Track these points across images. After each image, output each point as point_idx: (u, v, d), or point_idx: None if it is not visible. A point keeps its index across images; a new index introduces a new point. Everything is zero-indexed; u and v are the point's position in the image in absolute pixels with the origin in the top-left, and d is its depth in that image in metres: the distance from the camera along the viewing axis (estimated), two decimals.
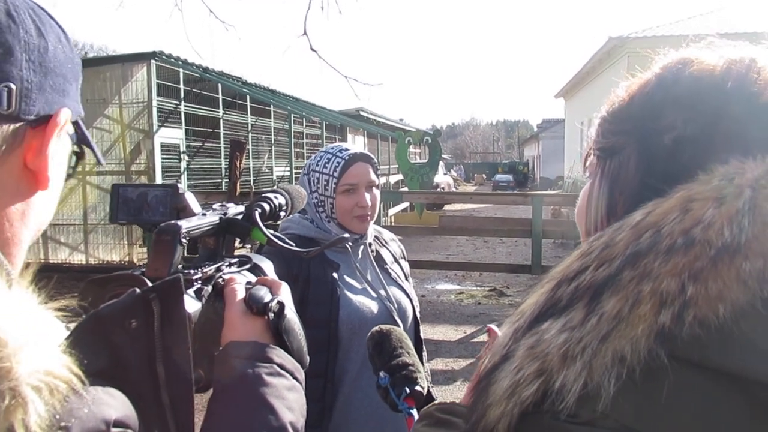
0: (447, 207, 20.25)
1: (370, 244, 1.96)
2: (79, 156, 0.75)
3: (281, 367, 0.78)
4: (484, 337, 6.58)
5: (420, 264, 8.99)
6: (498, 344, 0.66)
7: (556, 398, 0.57)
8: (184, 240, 0.80)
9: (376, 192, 1.92)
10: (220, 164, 12.62)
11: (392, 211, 15.14)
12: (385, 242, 2.06)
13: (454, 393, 5.00)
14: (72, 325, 0.57)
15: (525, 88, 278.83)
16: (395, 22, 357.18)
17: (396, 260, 2.03)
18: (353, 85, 6.71)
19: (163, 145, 10.71)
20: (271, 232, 0.97)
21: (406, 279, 2.03)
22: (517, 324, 0.65)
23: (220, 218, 0.92)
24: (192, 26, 7.11)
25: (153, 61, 10.49)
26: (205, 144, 12.96)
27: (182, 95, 11.40)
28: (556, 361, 0.58)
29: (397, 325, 1.78)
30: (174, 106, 11.25)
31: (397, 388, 1.41)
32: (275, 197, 1.03)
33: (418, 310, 2.06)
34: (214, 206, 0.94)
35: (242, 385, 0.74)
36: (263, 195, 1.04)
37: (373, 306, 1.81)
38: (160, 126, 10.67)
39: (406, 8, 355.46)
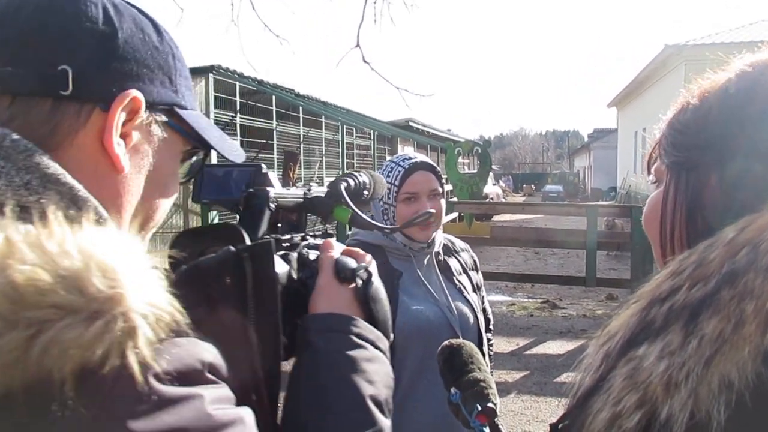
0: (496, 218, 20.06)
1: (438, 254, 1.95)
2: (197, 150, 0.78)
3: (360, 337, 0.77)
4: (537, 350, 6.51)
5: None
6: (587, 368, 0.64)
7: (663, 430, 0.54)
8: (272, 205, 0.82)
9: (441, 201, 1.91)
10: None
11: (442, 221, 15.04)
12: (456, 252, 2.04)
13: (508, 405, 4.96)
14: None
15: (575, 97, 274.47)
16: (444, 33, 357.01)
17: (465, 271, 2.01)
18: (404, 96, 6.75)
19: (219, 157, 10.95)
20: (356, 208, 0.95)
21: (476, 291, 2.00)
22: (608, 347, 0.63)
23: (304, 193, 0.92)
24: (247, 40, 7.29)
25: (211, 75, 10.79)
26: (259, 155, 13.23)
27: (238, 107, 11.68)
28: (659, 390, 0.55)
29: (456, 336, 1.77)
30: (230, 118, 11.55)
31: (469, 404, 1.38)
32: (359, 174, 1.01)
33: (486, 324, 2.02)
34: (297, 184, 0.95)
35: (319, 359, 0.73)
36: (348, 172, 1.02)
37: (431, 315, 1.80)
38: None
39: (455, 18, 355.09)
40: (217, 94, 10.96)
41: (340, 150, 13.05)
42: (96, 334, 0.46)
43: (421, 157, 1.95)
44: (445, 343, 1.63)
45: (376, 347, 0.79)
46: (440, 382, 1.75)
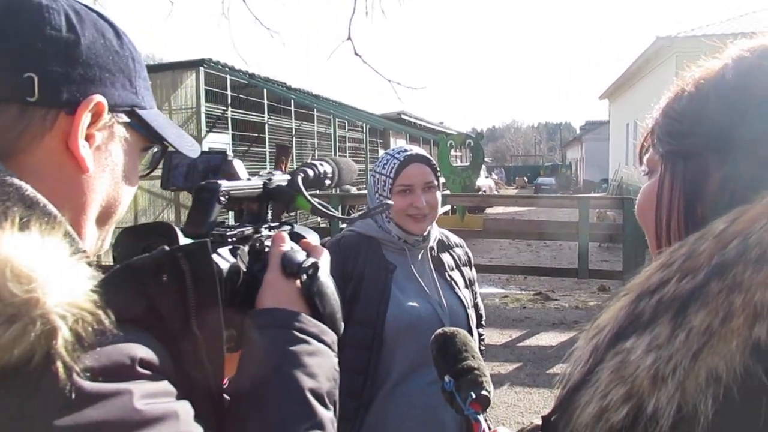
0: (488, 210, 20.09)
1: (432, 248, 1.95)
2: (160, 146, 0.80)
3: (302, 331, 0.78)
4: (530, 341, 6.54)
5: None
6: (576, 362, 0.64)
7: (649, 423, 0.54)
8: (222, 198, 0.82)
9: (437, 193, 1.90)
10: (266, 169, 12.75)
11: None
12: (450, 247, 2.04)
13: (501, 397, 4.98)
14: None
15: (567, 89, 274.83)
16: (436, 25, 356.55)
17: (458, 267, 2.00)
18: (396, 88, 6.73)
19: (210, 150, 10.93)
20: (316, 200, 0.95)
21: (468, 286, 2.00)
22: (596, 340, 0.62)
23: (264, 183, 0.92)
24: (238, 34, 7.25)
25: (201, 68, 10.74)
26: (251, 148, 13.18)
27: (229, 101, 11.64)
28: (646, 384, 0.55)
29: None
30: (221, 111, 11.50)
31: (463, 392, 1.38)
32: (320, 164, 1.01)
33: (477, 320, 2.01)
34: (261, 173, 0.95)
35: (259, 354, 0.75)
36: (309, 161, 1.02)
37: (422, 311, 1.80)
38: (208, 131, 10.92)
39: (447, 10, 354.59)
40: (207, 88, 10.91)
41: (333, 143, 13.01)
42: (14, 336, 0.49)
43: (416, 149, 1.94)
44: (439, 331, 1.63)
45: (320, 341, 0.79)
46: (430, 377, 1.74)
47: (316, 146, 16.06)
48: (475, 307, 2.04)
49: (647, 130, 0.76)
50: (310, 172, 0.98)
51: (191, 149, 0.82)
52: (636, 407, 0.55)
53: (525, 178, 56.40)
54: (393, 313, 1.77)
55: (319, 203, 0.96)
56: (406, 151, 1.90)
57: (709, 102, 0.67)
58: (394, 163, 1.87)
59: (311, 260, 0.84)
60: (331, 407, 0.76)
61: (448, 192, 14.92)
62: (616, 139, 28.19)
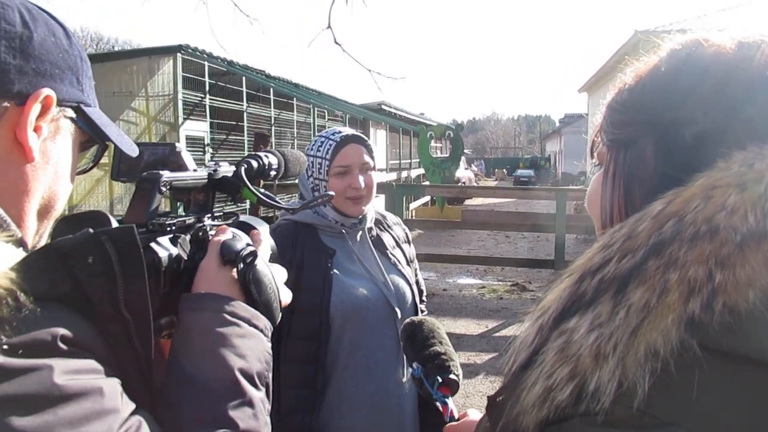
0: (468, 201, 20.20)
1: (371, 229, 1.93)
2: (99, 145, 0.82)
3: (233, 315, 0.80)
4: (506, 332, 6.59)
5: (442, 258, 9.00)
6: (522, 343, 0.65)
7: (591, 400, 0.55)
8: (163, 189, 0.83)
9: (373, 174, 1.88)
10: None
11: (413, 205, 15.15)
12: (388, 226, 2.01)
13: (477, 386, 5.02)
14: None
15: (547, 82, 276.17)
16: (416, 16, 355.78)
17: (398, 245, 1.99)
18: (376, 78, 6.71)
19: (188, 138, 10.84)
20: (261, 191, 0.97)
21: (409, 264, 1.98)
22: (541, 321, 0.63)
23: (209, 174, 0.93)
24: (217, 20, 7.17)
25: (179, 55, 10.61)
26: (229, 137, 13.08)
27: (207, 88, 11.51)
28: (588, 362, 0.57)
29: (393, 310, 1.79)
30: (199, 99, 11.37)
31: (431, 377, 1.41)
32: (266, 156, 1.03)
33: (419, 295, 2.02)
34: (207, 164, 0.96)
35: (189, 336, 0.77)
36: (253, 153, 1.03)
37: (368, 292, 1.78)
38: (185, 119, 10.80)
39: (427, 1, 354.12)
40: (185, 74, 10.78)
41: (312, 133, 12.95)
42: None
43: (351, 131, 1.91)
44: (407, 320, 1.64)
45: (252, 325, 0.82)
46: (378, 359, 1.79)
47: (295, 135, 15.98)
48: (417, 283, 2.03)
49: (597, 126, 0.80)
50: (254, 164, 0.99)
51: (130, 148, 0.84)
52: (579, 385, 0.57)
53: (504, 170, 56.82)
54: (337, 298, 1.75)
55: (264, 194, 0.98)
56: (341, 132, 1.86)
57: (645, 91, 0.71)
58: (330, 145, 1.82)
59: (250, 249, 0.86)
60: (263, 388, 0.78)
61: (427, 183, 14.98)
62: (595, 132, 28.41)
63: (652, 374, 0.54)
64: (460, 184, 19.39)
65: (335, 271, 1.78)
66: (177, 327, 0.80)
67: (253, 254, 0.85)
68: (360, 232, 1.89)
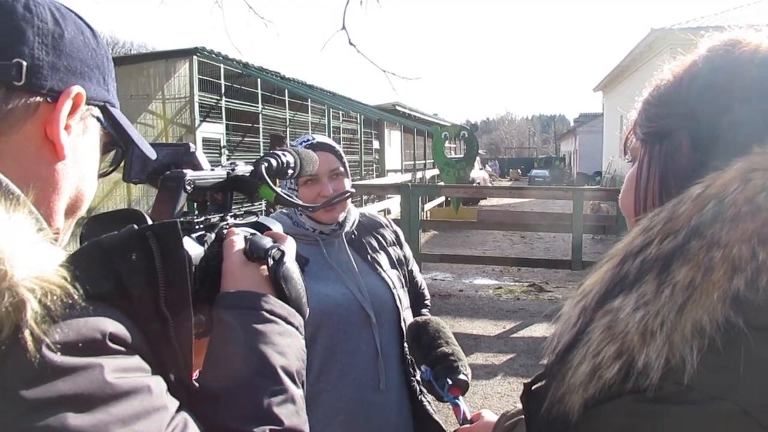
0: (482, 202, 20.13)
1: (353, 233, 1.90)
2: (121, 147, 0.82)
3: (271, 312, 0.80)
4: (524, 333, 6.56)
5: (457, 258, 8.98)
6: (564, 325, 0.66)
7: (640, 377, 0.57)
8: (188, 187, 0.83)
9: (345, 181, 1.85)
10: None
11: (428, 205, 15.13)
12: (374, 228, 1.98)
13: (495, 387, 5.00)
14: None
15: (561, 81, 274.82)
16: (430, 16, 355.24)
17: (384, 247, 1.95)
18: (391, 79, 6.70)
19: (204, 140, 10.89)
20: (279, 189, 0.97)
21: (396, 267, 1.95)
22: (584, 302, 0.65)
23: (228, 173, 0.93)
24: (232, 22, 7.20)
25: (195, 57, 10.66)
26: (245, 138, 13.13)
27: (223, 90, 11.57)
28: (636, 340, 0.58)
29: (367, 316, 1.76)
30: (215, 101, 11.43)
31: (440, 379, 1.42)
32: (283, 154, 1.02)
33: (419, 299, 1.98)
34: (224, 163, 0.96)
35: (230, 333, 0.77)
36: (271, 152, 1.03)
37: (339, 297, 1.76)
38: (201, 121, 10.86)
39: (442, 1, 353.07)
40: (201, 77, 10.84)
41: (327, 134, 12.97)
42: None
43: (319, 137, 1.89)
44: (411, 321, 1.63)
45: (288, 322, 0.82)
46: (353, 364, 1.76)
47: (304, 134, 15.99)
48: (413, 287, 1.99)
49: (631, 122, 0.81)
50: (274, 162, 0.99)
51: (150, 151, 0.84)
52: (627, 363, 0.58)
53: (519, 170, 56.56)
54: (310, 305, 1.74)
55: (284, 192, 0.98)
56: (308, 140, 1.84)
57: (683, 86, 0.74)
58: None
59: (277, 246, 0.86)
60: (300, 387, 0.79)
61: (442, 183, 14.95)
62: (610, 131, 28.23)
63: (699, 351, 0.56)
64: (474, 184, 19.33)
65: (308, 279, 1.76)
66: (214, 324, 0.80)
67: (281, 251, 0.86)
68: (338, 238, 1.87)
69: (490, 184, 25.72)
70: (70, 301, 0.55)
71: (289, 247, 0.90)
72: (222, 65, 11.38)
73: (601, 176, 30.34)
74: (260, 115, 13.13)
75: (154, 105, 10.71)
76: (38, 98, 0.67)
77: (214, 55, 11.18)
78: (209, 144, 11.13)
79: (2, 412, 0.50)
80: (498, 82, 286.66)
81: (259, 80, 12.75)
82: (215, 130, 11.46)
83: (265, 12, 6.98)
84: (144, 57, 12.13)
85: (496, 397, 4.85)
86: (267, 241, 0.87)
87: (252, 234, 0.91)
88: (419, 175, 22.09)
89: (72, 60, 0.71)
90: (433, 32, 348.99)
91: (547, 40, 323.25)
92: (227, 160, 11.54)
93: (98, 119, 0.77)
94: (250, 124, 13.03)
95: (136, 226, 0.67)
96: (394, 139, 21.94)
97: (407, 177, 19.78)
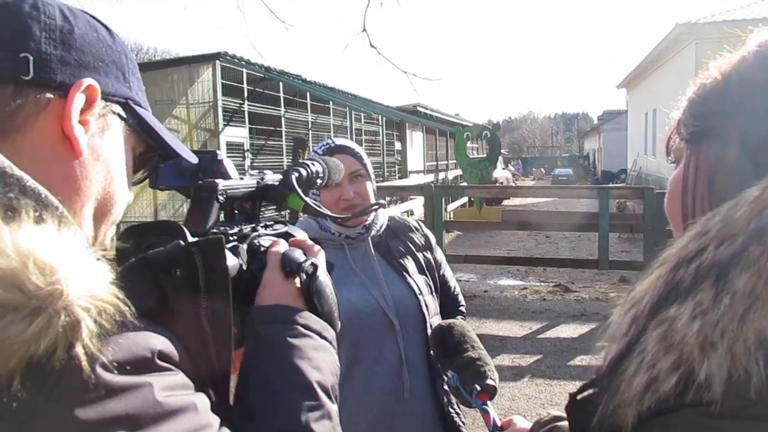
0: (506, 202, 20.00)
1: (380, 237, 1.87)
2: (157, 154, 0.80)
3: (306, 327, 0.80)
4: (550, 333, 6.49)
5: (482, 259, 8.92)
6: (614, 334, 0.64)
7: (700, 390, 0.54)
8: (221, 197, 0.83)
9: (367, 183, 1.81)
10: (283, 161, 12.86)
11: (451, 206, 15.08)
12: (402, 233, 1.93)
13: (522, 389, 4.95)
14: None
15: (584, 79, 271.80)
16: (450, 16, 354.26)
17: (412, 252, 1.91)
18: (412, 80, 6.70)
19: (228, 144, 11.00)
20: (309, 199, 0.97)
21: (425, 272, 1.89)
22: (635, 311, 0.63)
23: (257, 182, 0.93)
24: (253, 27, 7.25)
25: (218, 62, 10.78)
26: (268, 142, 13.22)
27: (245, 94, 11.67)
28: (695, 351, 0.55)
29: (391, 322, 1.71)
30: (238, 105, 11.53)
31: (467, 385, 1.40)
32: (312, 164, 1.02)
33: (453, 305, 1.94)
34: (252, 172, 0.95)
35: (266, 348, 0.77)
36: (300, 161, 1.03)
37: (361, 304, 1.72)
38: (225, 125, 10.97)
39: (461, 1, 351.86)
40: (224, 82, 10.94)
41: (349, 136, 13.00)
42: (39, 329, 0.49)
43: (340, 140, 1.87)
44: (435, 326, 1.60)
45: (323, 337, 0.82)
46: (376, 371, 1.71)
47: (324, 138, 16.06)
48: (446, 292, 1.94)
49: (674, 122, 0.78)
50: (304, 172, 1.00)
51: (189, 155, 0.83)
52: (686, 375, 0.55)
53: (542, 169, 56.09)
54: None
55: (313, 202, 0.98)
56: (327, 144, 1.82)
57: (731, 83, 0.70)
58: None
59: (310, 260, 0.86)
60: (335, 402, 0.78)
61: (465, 184, 14.88)
62: (635, 128, 27.89)
63: (765, 363, 0.53)
64: (497, 184, 19.21)
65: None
66: (247, 339, 0.79)
67: (314, 265, 0.85)
68: (364, 242, 1.83)
69: (513, 184, 25.56)
70: (122, 320, 0.54)
71: (321, 259, 0.90)
72: (244, 69, 11.48)
73: (626, 174, 29.96)
74: (282, 119, 13.21)
75: (179, 110, 10.84)
76: (49, 93, 0.65)
77: (236, 60, 11.28)
78: (233, 148, 11.23)
79: None
80: (520, 81, 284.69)
81: (281, 84, 12.83)
82: (238, 133, 11.56)
83: (286, 16, 7.01)
84: (168, 63, 12.28)
85: (524, 399, 4.80)
86: (299, 254, 0.86)
87: (289, 246, 0.90)
88: (442, 175, 22.05)
89: (83, 54, 0.69)
90: (453, 32, 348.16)
91: (569, 37, 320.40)
92: (251, 163, 11.66)
93: (120, 117, 0.74)
94: (272, 128, 13.11)
95: (182, 242, 0.68)
96: (416, 140, 21.92)
97: (430, 178, 19.75)
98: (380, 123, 16.93)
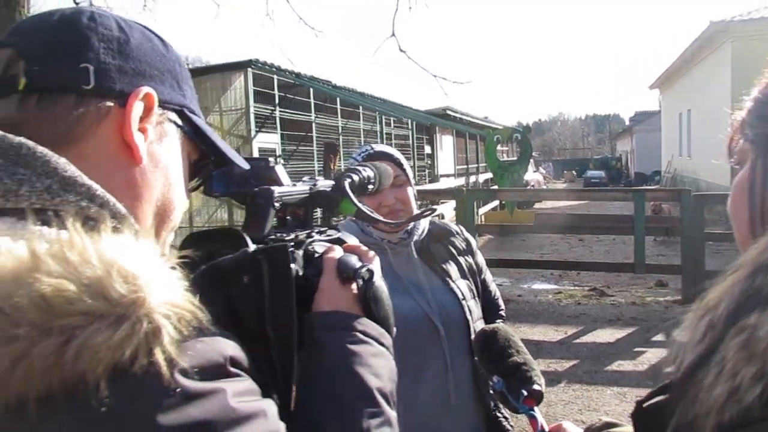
0: (537, 205, 19.81)
1: (422, 242, 1.86)
2: (212, 161, 0.82)
3: (364, 334, 0.80)
4: (586, 338, 6.40)
5: (515, 263, 8.86)
6: (688, 342, 0.62)
7: None
8: (276, 204, 0.84)
9: (408, 189, 1.81)
10: (314, 167, 12.94)
11: (482, 210, 14.99)
12: (444, 237, 1.94)
13: (559, 395, 4.89)
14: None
15: (615, 80, 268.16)
16: (478, 17, 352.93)
17: (454, 256, 1.90)
18: (442, 83, 6.70)
19: (260, 150, 11.13)
20: (363, 205, 0.97)
21: (467, 277, 1.88)
22: (710, 317, 0.60)
23: (310, 188, 0.93)
24: (282, 34, 7.33)
25: (249, 69, 10.91)
26: (299, 147, 13.32)
27: (277, 101, 11.78)
28: None
29: (435, 328, 1.70)
30: (269, 111, 11.65)
31: (514, 390, 1.38)
32: (363, 169, 1.02)
33: (493, 309, 1.92)
34: (304, 178, 0.96)
35: (326, 355, 0.77)
36: (352, 167, 1.03)
37: (406, 309, 1.67)
38: (257, 131, 11.09)
39: (489, 1, 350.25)
40: (256, 88, 11.07)
41: (379, 140, 13.03)
42: (123, 336, 0.50)
43: (379, 146, 1.86)
44: (479, 330, 1.58)
45: (380, 343, 0.82)
46: (421, 379, 1.69)
47: (362, 144, 16.11)
48: (487, 296, 1.92)
49: (737, 123, 0.76)
50: (356, 177, 1.00)
51: (242, 161, 0.84)
52: None
53: (573, 171, 55.38)
54: None
55: (366, 207, 0.99)
56: (366, 150, 1.82)
57: None
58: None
59: (367, 265, 0.86)
60: (394, 409, 0.78)
61: (496, 187, 14.78)
62: (669, 129, 27.40)
63: None
64: (529, 187, 19.05)
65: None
66: (308, 344, 0.79)
67: (371, 271, 0.85)
68: (407, 247, 1.82)
69: (544, 187, 25.31)
70: (199, 326, 0.56)
71: (377, 265, 0.90)
72: (275, 76, 11.59)
73: (659, 176, 29.45)
74: (313, 124, 13.31)
75: (212, 117, 11.00)
76: (109, 102, 0.67)
77: (267, 67, 11.40)
78: (265, 154, 11.33)
79: None
80: (549, 83, 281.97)
81: (311, 89, 12.93)
82: (270, 140, 11.68)
83: (315, 22, 7.06)
84: (201, 71, 12.47)
85: (561, 404, 4.74)
86: (355, 260, 0.86)
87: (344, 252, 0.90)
88: (472, 179, 21.94)
89: (140, 63, 0.71)
90: (480, 34, 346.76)
91: (600, 36, 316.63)
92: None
93: (176, 124, 0.75)
94: (303, 133, 13.21)
95: (249, 250, 0.70)
96: (445, 143, 21.87)
97: (460, 181, 19.67)
98: (410, 127, 16.92)
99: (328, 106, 14.34)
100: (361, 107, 15.35)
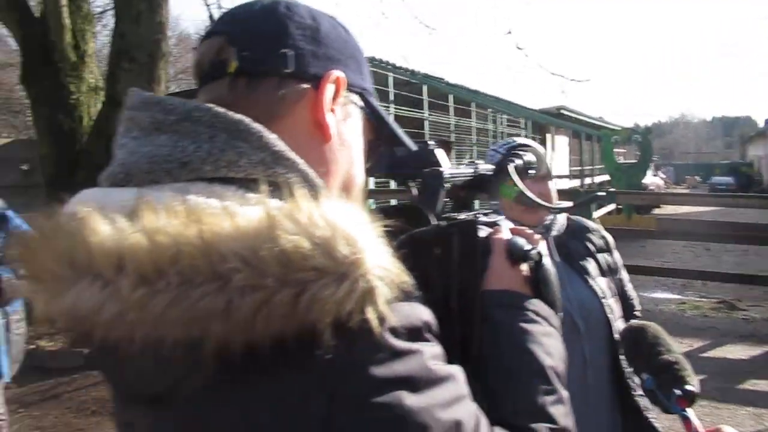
0: (656, 210, 18.79)
1: (560, 237, 1.81)
2: (378, 136, 0.85)
3: (536, 314, 0.82)
4: (714, 353, 5.97)
5: (638, 270, 8.41)
6: None
7: None
8: (446, 184, 0.87)
9: (549, 183, 1.79)
10: None
11: (597, 213, 14.43)
12: (582, 233, 1.86)
13: None
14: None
15: (747, 79, 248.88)
16: (596, 12, 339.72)
17: (592, 254, 1.84)
18: (559, 81, 6.49)
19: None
20: (524, 188, 0.99)
21: (605, 274, 1.82)
22: None
23: (474, 171, 0.96)
24: (397, 32, 7.39)
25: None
26: None
27: (392, 98, 11.91)
28: None
29: (575, 326, 1.64)
30: (385, 108, 11.80)
31: (665, 389, 1.32)
32: (525, 153, 1.04)
33: (628, 310, 1.84)
34: (465, 161, 0.99)
35: (500, 331, 0.80)
36: (514, 151, 1.05)
37: None
38: None
39: None
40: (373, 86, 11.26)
41: (491, 139, 12.85)
42: (345, 292, 0.54)
43: (519, 139, 1.84)
44: (626, 327, 1.53)
45: (551, 324, 0.84)
46: (569, 377, 1.62)
47: (474, 142, 15.98)
48: (623, 295, 1.85)
49: None
50: (520, 162, 1.02)
51: (411, 143, 0.88)
52: None
53: (697, 177, 52.13)
54: None
55: (529, 192, 1.02)
56: (508, 143, 1.80)
57: None
58: (498, 158, 1.78)
59: (536, 248, 0.87)
60: (565, 388, 0.80)
61: (613, 189, 14.17)
62: None
63: None
64: (648, 191, 18.10)
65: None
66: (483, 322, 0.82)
67: (540, 254, 0.87)
68: (544, 241, 1.78)
69: (663, 191, 23.95)
70: (406, 290, 0.59)
71: (544, 248, 0.91)
72: (391, 74, 11.71)
73: None
74: (426, 122, 13.34)
75: None
76: (305, 84, 0.73)
77: (383, 64, 11.54)
78: None
79: (354, 386, 0.56)
80: (670, 82, 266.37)
81: (424, 87, 12.96)
82: None
83: (430, 20, 7.07)
84: None
85: None
86: (523, 242, 0.88)
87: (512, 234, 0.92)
88: (588, 180, 21.17)
89: (329, 49, 0.76)
90: (598, 29, 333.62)
91: (729, 33, 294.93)
92: None
93: (359, 106, 0.80)
94: (416, 131, 13.29)
95: (443, 224, 0.73)
96: (560, 144, 21.24)
97: (575, 183, 19.04)
98: (524, 126, 16.57)
99: (440, 103, 14.33)
100: (473, 105, 15.20)
